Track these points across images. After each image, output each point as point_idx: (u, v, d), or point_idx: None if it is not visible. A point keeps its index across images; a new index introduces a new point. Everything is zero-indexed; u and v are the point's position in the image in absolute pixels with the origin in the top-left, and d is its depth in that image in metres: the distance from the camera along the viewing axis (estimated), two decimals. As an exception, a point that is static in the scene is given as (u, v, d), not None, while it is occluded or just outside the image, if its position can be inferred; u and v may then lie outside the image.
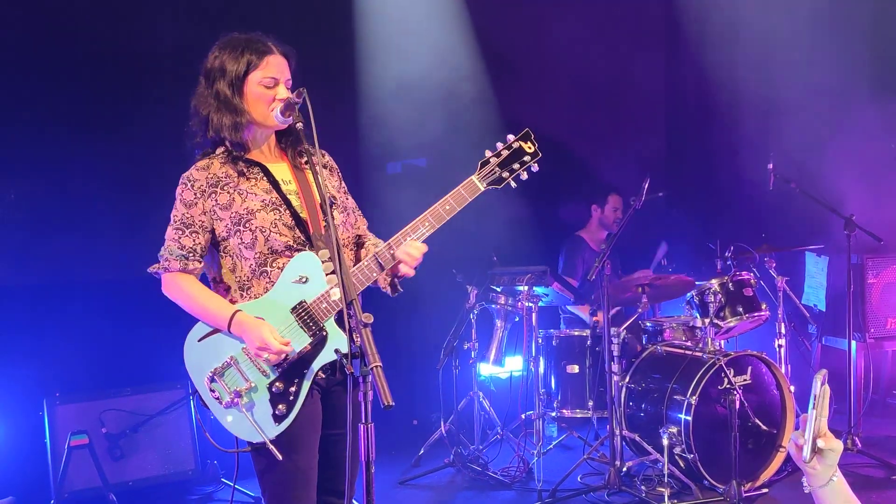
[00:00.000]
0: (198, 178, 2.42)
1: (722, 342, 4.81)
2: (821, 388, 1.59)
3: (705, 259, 5.48)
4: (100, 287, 4.65)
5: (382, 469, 4.80)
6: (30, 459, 4.34)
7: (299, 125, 2.33)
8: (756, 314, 4.58)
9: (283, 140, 2.55)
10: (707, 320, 4.48)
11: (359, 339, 1.98)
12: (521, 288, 4.76)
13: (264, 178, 2.45)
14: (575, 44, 6.12)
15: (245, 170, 2.44)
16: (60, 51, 4.59)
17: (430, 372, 5.13)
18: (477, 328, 4.89)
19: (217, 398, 2.38)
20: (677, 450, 4.20)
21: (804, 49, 5.59)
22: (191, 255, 2.42)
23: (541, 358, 4.84)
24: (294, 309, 2.36)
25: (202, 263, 2.46)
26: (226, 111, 2.41)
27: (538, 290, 4.79)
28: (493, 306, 4.92)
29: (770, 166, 4.83)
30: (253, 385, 2.36)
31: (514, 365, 5.08)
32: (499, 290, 4.91)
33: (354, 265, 2.46)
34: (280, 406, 2.34)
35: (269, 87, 2.42)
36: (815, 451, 1.60)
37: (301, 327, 2.35)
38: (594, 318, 4.93)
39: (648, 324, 4.95)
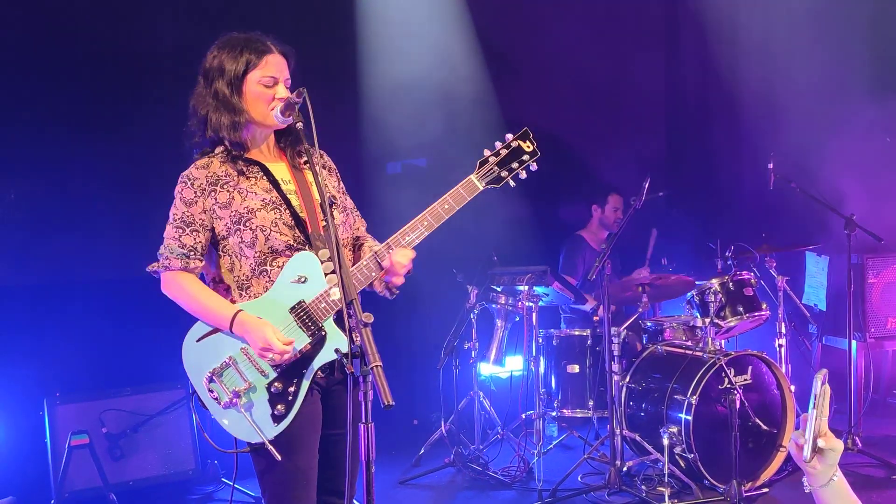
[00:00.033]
0: (197, 177, 2.42)
1: (722, 342, 4.81)
2: (821, 387, 1.59)
3: (705, 259, 5.48)
4: (100, 287, 4.65)
5: (383, 469, 4.80)
6: (30, 459, 4.34)
7: (299, 125, 2.33)
8: (756, 314, 4.58)
9: (282, 140, 2.55)
10: (707, 320, 4.48)
11: (359, 339, 1.98)
12: (521, 288, 4.77)
13: (264, 178, 2.45)
14: (575, 44, 6.12)
15: (244, 169, 2.44)
16: (60, 51, 4.59)
17: (430, 372, 5.13)
18: (477, 328, 4.89)
19: (216, 398, 2.37)
20: (678, 449, 4.20)
21: (804, 49, 5.59)
22: (192, 253, 2.42)
23: (541, 357, 4.84)
24: (293, 309, 2.36)
25: (203, 262, 2.46)
26: (224, 110, 2.41)
27: (538, 289, 4.79)
28: (494, 306, 4.92)
29: (770, 166, 4.83)
30: (251, 385, 2.36)
31: (514, 365, 5.08)
32: (499, 289, 4.91)
33: (353, 265, 2.46)
34: (279, 406, 2.33)
35: (268, 87, 2.42)
36: (816, 450, 1.60)
37: (300, 327, 2.35)
38: (595, 318, 4.93)
39: (649, 323, 4.95)
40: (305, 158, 2.52)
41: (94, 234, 4.55)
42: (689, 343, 4.71)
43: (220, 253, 2.45)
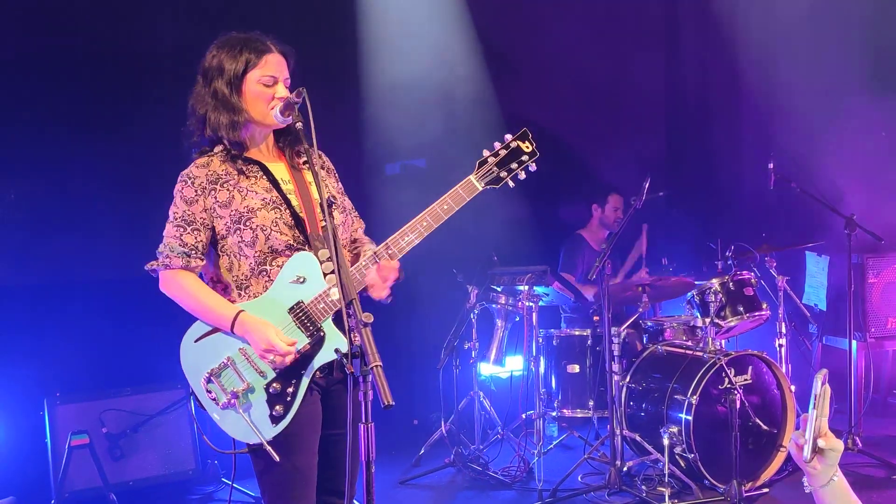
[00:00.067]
0: (198, 176, 2.41)
1: (722, 342, 4.81)
2: (821, 387, 1.59)
3: (705, 259, 5.48)
4: (100, 287, 4.65)
5: (383, 469, 4.80)
6: (30, 459, 4.35)
7: (298, 125, 2.32)
8: (757, 314, 4.58)
9: (281, 140, 2.55)
10: (708, 320, 4.48)
11: (358, 339, 1.98)
12: (521, 288, 4.77)
13: (264, 177, 2.45)
14: (575, 44, 6.12)
15: (244, 168, 2.44)
16: (60, 51, 4.59)
17: (430, 372, 5.13)
18: (477, 328, 4.89)
19: (214, 399, 2.37)
20: (678, 449, 4.19)
21: (804, 48, 5.59)
22: (193, 252, 2.41)
23: (541, 357, 4.84)
24: (291, 309, 2.35)
25: (203, 261, 2.45)
26: (223, 110, 2.41)
27: (539, 289, 4.79)
28: (494, 306, 4.92)
29: (770, 166, 4.82)
30: (250, 386, 2.35)
31: (514, 365, 5.08)
32: (499, 289, 4.91)
33: (352, 266, 2.45)
34: (277, 407, 2.33)
35: (267, 86, 2.41)
36: (816, 450, 1.60)
37: (298, 328, 2.35)
38: (595, 318, 4.92)
39: (649, 323, 4.95)
40: (304, 159, 2.51)
41: (94, 234, 4.55)
42: (689, 343, 4.71)
43: (219, 253, 2.45)
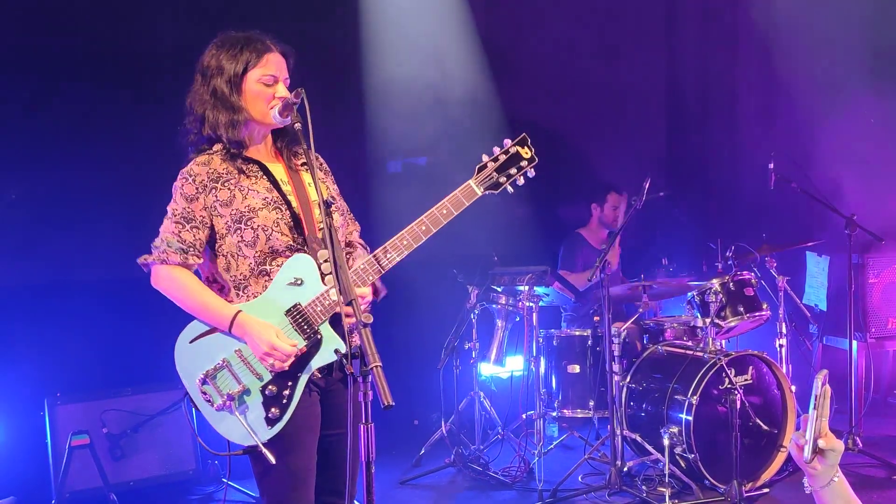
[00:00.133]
0: (199, 173, 2.40)
1: (723, 342, 4.80)
2: (822, 388, 1.59)
3: (706, 259, 5.48)
4: (100, 287, 4.65)
5: (383, 469, 4.80)
6: (31, 459, 4.35)
7: (297, 125, 2.31)
8: (757, 314, 4.58)
9: (279, 140, 2.54)
10: (708, 320, 4.48)
11: (358, 339, 1.98)
12: (521, 288, 4.76)
13: (264, 177, 2.44)
14: (575, 43, 6.12)
15: (244, 167, 2.43)
16: (60, 51, 4.59)
17: (430, 372, 5.13)
18: (478, 328, 4.88)
19: (209, 401, 2.35)
20: (678, 450, 4.19)
21: (804, 47, 5.59)
22: (191, 249, 2.40)
23: (541, 358, 4.84)
24: (289, 311, 2.34)
25: (201, 259, 2.43)
26: (223, 108, 2.40)
27: (539, 289, 4.79)
28: (494, 306, 4.92)
29: (770, 166, 4.82)
30: (246, 388, 2.34)
31: (514, 365, 5.08)
32: (499, 289, 4.91)
33: (350, 268, 2.44)
34: (273, 409, 2.32)
35: (268, 85, 2.41)
36: (817, 451, 1.60)
37: (295, 330, 2.34)
38: (595, 319, 4.92)
39: (650, 323, 4.95)
40: (302, 160, 2.51)
41: (94, 234, 4.54)
42: (689, 343, 4.71)
43: (216, 252, 2.44)
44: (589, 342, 4.82)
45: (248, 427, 2.32)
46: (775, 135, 5.77)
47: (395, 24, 5.64)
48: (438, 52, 5.76)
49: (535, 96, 6.21)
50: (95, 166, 4.53)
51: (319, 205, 2.17)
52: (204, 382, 2.36)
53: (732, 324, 4.53)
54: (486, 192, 2.48)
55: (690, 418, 4.12)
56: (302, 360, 2.34)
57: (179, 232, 2.39)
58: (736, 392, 3.98)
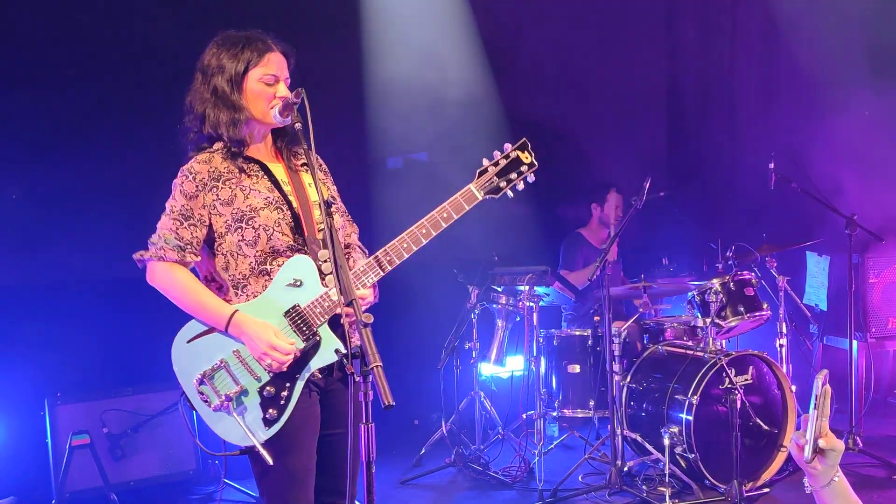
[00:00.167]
0: (199, 171, 2.39)
1: (723, 342, 4.81)
2: (822, 388, 1.59)
3: (706, 259, 5.47)
4: (100, 287, 4.65)
5: (383, 469, 4.80)
6: (31, 459, 4.35)
7: (297, 125, 2.31)
8: (757, 314, 4.58)
9: (279, 140, 2.54)
10: (708, 320, 4.48)
11: (358, 339, 1.97)
12: (522, 288, 4.77)
13: (265, 177, 2.44)
14: (575, 42, 6.12)
15: (245, 166, 2.43)
16: (61, 51, 4.59)
17: (431, 372, 5.13)
18: (478, 328, 4.89)
19: (206, 401, 2.35)
20: (678, 449, 4.19)
21: (804, 46, 5.59)
22: (188, 247, 2.39)
23: (542, 357, 4.84)
24: (287, 313, 2.34)
25: (198, 257, 2.42)
26: (223, 107, 2.40)
27: (539, 289, 4.79)
28: (495, 306, 4.92)
29: (771, 166, 4.82)
30: (243, 389, 2.33)
31: (515, 365, 5.08)
32: (500, 289, 4.91)
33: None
34: (271, 410, 2.31)
35: (269, 84, 2.41)
36: (817, 451, 1.60)
37: (294, 331, 2.34)
38: (595, 319, 4.92)
39: (650, 323, 4.95)
40: (302, 160, 2.51)
41: (94, 234, 4.54)
42: (689, 343, 4.71)
43: (215, 251, 2.43)
44: (589, 342, 4.82)
45: (245, 428, 2.31)
46: (775, 134, 5.76)
47: (396, 20, 5.64)
48: (440, 48, 5.76)
49: (535, 96, 6.21)
50: (95, 166, 4.53)
51: (320, 205, 2.17)
52: (201, 383, 2.35)
53: (733, 324, 4.53)
54: (487, 197, 2.48)
55: (691, 418, 4.12)
56: (300, 361, 2.33)
57: (177, 229, 2.38)
58: (736, 392, 3.98)
